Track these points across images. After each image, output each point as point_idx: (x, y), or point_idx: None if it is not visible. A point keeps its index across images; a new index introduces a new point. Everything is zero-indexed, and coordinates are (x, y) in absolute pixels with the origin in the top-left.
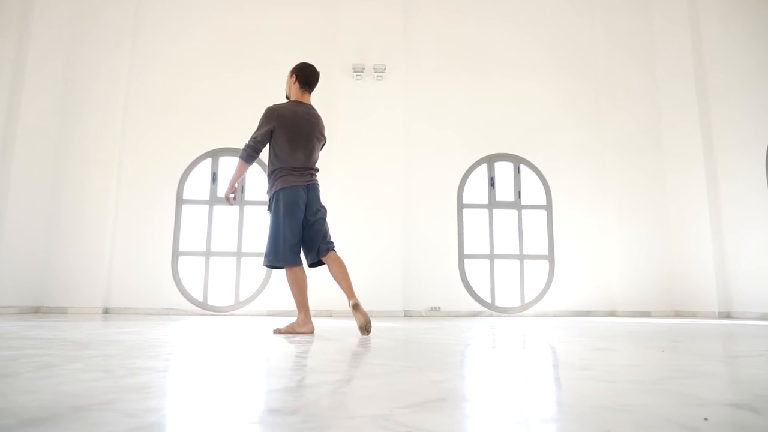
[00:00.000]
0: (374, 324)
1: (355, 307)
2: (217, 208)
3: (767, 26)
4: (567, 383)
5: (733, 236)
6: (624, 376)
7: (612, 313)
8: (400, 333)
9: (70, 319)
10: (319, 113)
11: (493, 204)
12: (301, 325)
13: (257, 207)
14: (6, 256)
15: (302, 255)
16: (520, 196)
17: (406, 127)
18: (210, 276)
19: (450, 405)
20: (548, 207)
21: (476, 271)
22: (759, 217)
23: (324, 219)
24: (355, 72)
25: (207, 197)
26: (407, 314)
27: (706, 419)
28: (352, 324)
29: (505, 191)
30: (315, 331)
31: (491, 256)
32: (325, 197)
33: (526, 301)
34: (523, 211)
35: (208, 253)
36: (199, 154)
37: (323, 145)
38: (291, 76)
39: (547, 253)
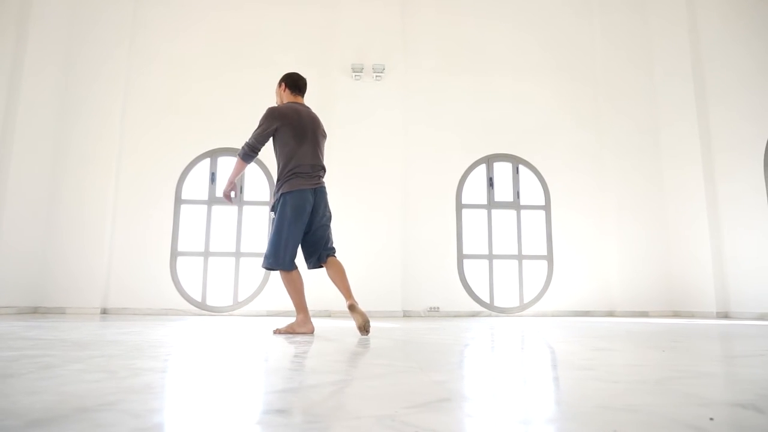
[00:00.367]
0: (373, 324)
1: (352, 307)
2: (215, 208)
3: (765, 26)
4: (570, 383)
5: (731, 236)
6: (626, 376)
7: (610, 313)
8: (399, 333)
9: (69, 320)
10: (316, 113)
11: (491, 204)
12: (301, 325)
13: (256, 207)
14: (4, 256)
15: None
16: (518, 197)
17: (405, 127)
18: (209, 276)
19: (454, 405)
20: (547, 207)
21: (475, 272)
22: (757, 217)
23: (328, 225)
24: (354, 72)
25: (206, 197)
26: (406, 314)
27: (711, 419)
28: (351, 324)
29: (503, 191)
30: (314, 332)
31: (490, 257)
32: None
33: (525, 301)
34: (522, 212)
35: (206, 254)
36: (198, 154)
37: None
38: (279, 85)
39: (545, 253)
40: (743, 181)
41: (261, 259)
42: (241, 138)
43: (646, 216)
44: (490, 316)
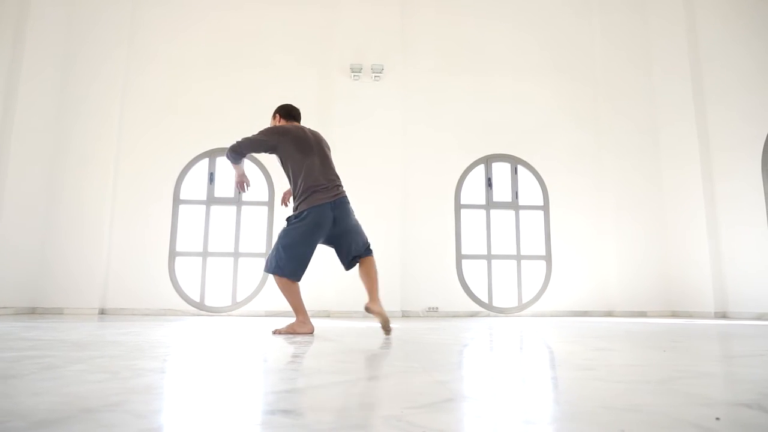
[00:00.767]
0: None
1: (367, 309)
2: (214, 208)
3: (763, 26)
4: (574, 383)
5: (729, 236)
6: (630, 376)
7: (609, 313)
8: (399, 333)
9: (67, 320)
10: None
11: (490, 204)
12: (301, 326)
13: (254, 207)
14: (2, 256)
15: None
16: (517, 197)
17: (404, 127)
18: (207, 276)
19: (460, 405)
20: (545, 207)
21: (474, 272)
22: (755, 217)
23: (356, 231)
24: (352, 72)
25: (204, 197)
26: (405, 314)
27: (717, 419)
28: (350, 324)
29: (502, 192)
30: (314, 332)
31: (489, 257)
32: None
33: (524, 301)
34: (521, 212)
35: (205, 254)
36: (197, 154)
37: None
38: (273, 117)
39: (544, 253)
40: (741, 181)
41: (260, 260)
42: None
43: (645, 216)
44: (488, 316)
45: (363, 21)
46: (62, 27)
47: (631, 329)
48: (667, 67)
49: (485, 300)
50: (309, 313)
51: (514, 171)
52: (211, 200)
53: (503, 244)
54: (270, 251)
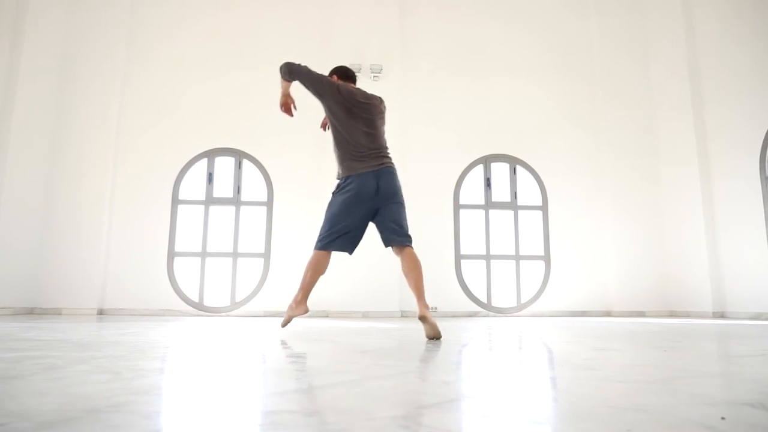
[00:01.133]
0: (372, 324)
1: (423, 319)
2: (213, 208)
3: (761, 26)
4: (578, 383)
5: (727, 236)
6: (633, 376)
7: (607, 313)
8: (399, 333)
9: (66, 321)
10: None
11: (489, 204)
12: (296, 307)
13: (253, 207)
14: (0, 256)
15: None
16: (516, 197)
17: (403, 127)
18: (206, 277)
19: (466, 406)
20: (544, 207)
21: (472, 272)
22: (753, 217)
23: (398, 208)
24: None
25: (203, 197)
26: (404, 314)
27: (723, 418)
28: (350, 324)
29: (501, 192)
30: (314, 332)
31: (487, 257)
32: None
33: (522, 301)
34: (519, 212)
35: (204, 254)
36: (195, 154)
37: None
38: (330, 76)
39: (542, 253)
40: (740, 181)
41: (259, 260)
42: (238, 138)
43: (643, 216)
44: (487, 316)
45: (362, 21)
46: (61, 27)
47: (630, 329)
48: (665, 67)
49: (484, 300)
50: (308, 314)
51: (513, 171)
52: (210, 200)
53: (502, 244)
54: None
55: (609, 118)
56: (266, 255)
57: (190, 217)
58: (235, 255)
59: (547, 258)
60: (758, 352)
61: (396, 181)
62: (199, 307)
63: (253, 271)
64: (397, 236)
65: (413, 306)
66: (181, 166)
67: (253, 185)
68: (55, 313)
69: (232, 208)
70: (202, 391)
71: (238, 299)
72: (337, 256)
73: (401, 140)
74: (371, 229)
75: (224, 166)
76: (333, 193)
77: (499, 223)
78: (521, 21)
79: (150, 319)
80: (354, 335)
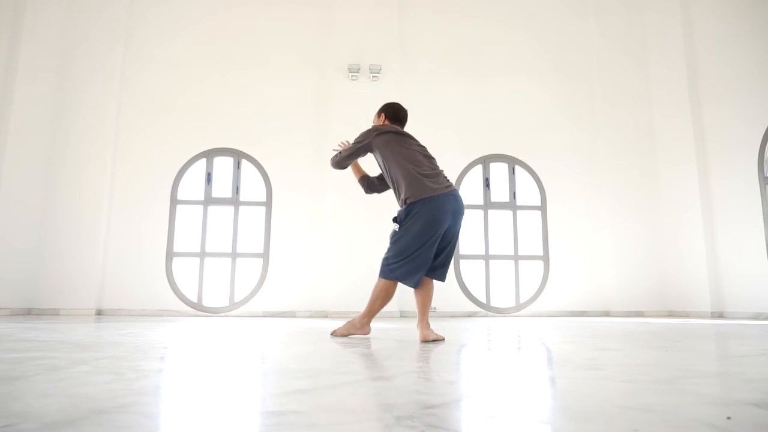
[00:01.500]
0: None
1: (427, 340)
2: (211, 208)
3: (760, 26)
4: (582, 383)
5: (725, 236)
6: (637, 376)
7: (606, 313)
8: (399, 334)
9: (65, 321)
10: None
11: (488, 205)
12: (360, 328)
13: (252, 207)
14: None
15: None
16: (515, 197)
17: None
18: (204, 277)
19: (471, 405)
20: (543, 207)
21: (471, 272)
22: (751, 217)
23: (454, 246)
24: (350, 72)
25: (202, 197)
26: (403, 315)
27: (729, 418)
28: None
29: (500, 192)
30: (314, 332)
31: (486, 257)
32: (320, 199)
33: (521, 301)
34: (518, 212)
35: (202, 254)
36: (194, 155)
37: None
38: (378, 116)
39: (541, 253)
40: (738, 180)
41: (258, 260)
42: (237, 138)
43: (642, 216)
44: (486, 316)
45: (360, 21)
46: (59, 27)
47: (629, 329)
48: (663, 66)
49: (483, 300)
50: (307, 314)
51: (512, 171)
52: (209, 200)
53: (501, 244)
54: (384, 254)
55: (608, 117)
56: (265, 255)
57: (188, 217)
58: (233, 255)
59: (545, 258)
60: (758, 352)
61: (463, 209)
62: (198, 307)
63: (252, 272)
64: (442, 275)
65: (413, 306)
66: (180, 166)
67: (251, 185)
68: (53, 313)
69: (230, 208)
70: (206, 392)
71: (236, 299)
72: (337, 256)
73: None
74: (371, 229)
75: (223, 166)
76: (396, 221)
77: (498, 223)
78: (520, 21)
79: (148, 320)
80: (353, 335)
